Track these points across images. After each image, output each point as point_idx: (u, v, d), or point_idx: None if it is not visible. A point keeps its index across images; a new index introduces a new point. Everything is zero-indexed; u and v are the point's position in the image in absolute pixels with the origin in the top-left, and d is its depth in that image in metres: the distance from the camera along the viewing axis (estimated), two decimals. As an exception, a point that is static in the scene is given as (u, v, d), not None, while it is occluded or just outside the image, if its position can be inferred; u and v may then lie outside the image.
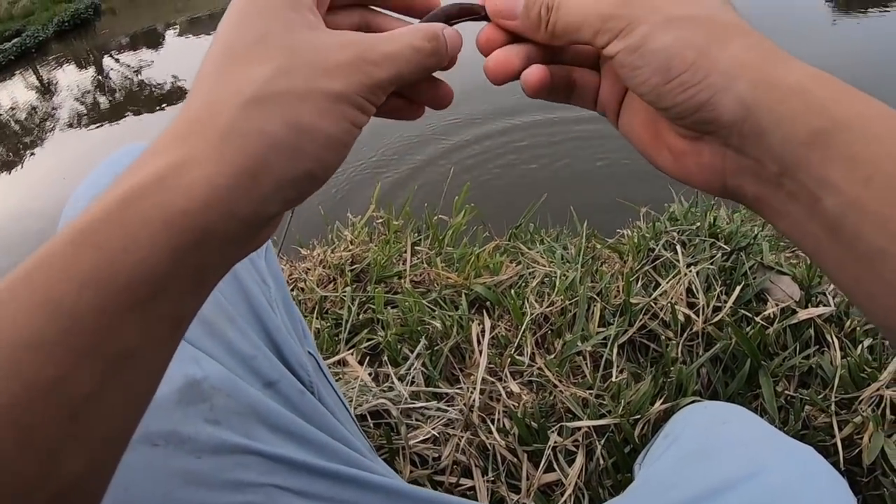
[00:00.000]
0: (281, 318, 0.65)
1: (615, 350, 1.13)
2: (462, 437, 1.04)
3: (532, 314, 1.21)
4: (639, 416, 1.02)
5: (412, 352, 1.16)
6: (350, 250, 1.48)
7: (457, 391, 1.11)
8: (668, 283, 1.22)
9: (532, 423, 1.03)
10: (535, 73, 0.39)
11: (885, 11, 6.03)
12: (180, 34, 11.48)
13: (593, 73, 0.42)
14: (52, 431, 0.24)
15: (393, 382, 1.11)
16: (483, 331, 1.18)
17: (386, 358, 1.17)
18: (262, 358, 0.57)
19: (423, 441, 1.04)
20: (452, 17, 0.41)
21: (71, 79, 9.62)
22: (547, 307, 1.22)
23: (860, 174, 0.28)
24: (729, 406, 0.75)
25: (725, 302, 1.18)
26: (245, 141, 0.28)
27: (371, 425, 1.07)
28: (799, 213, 0.32)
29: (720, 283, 1.22)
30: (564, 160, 3.63)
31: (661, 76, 0.33)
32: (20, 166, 6.66)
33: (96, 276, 0.25)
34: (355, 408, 1.06)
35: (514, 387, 1.09)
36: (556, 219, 1.77)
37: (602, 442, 1.00)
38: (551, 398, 1.08)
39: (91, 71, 10.03)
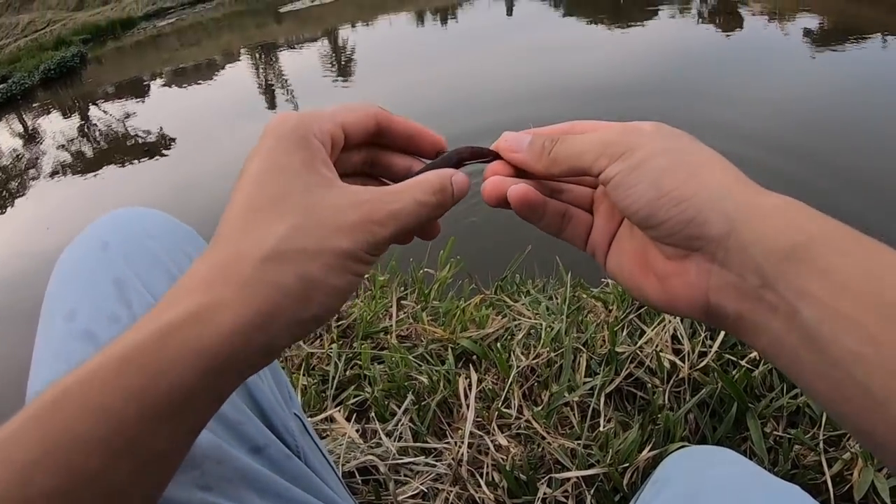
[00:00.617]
0: (267, 384, 0.67)
1: (602, 399, 1.13)
2: (451, 491, 1.03)
3: (518, 367, 1.21)
4: (627, 465, 1.01)
5: (399, 407, 1.16)
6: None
7: (445, 445, 1.10)
8: (652, 330, 1.23)
9: (521, 475, 1.03)
10: (519, 188, 0.42)
11: (863, 42, 6.18)
12: (166, 84, 11.58)
13: (587, 214, 0.46)
14: None
15: (381, 438, 1.11)
16: (470, 385, 1.18)
17: (373, 414, 1.17)
18: (249, 424, 0.58)
19: (412, 496, 1.03)
20: (464, 160, 0.44)
21: (56, 127, 9.66)
22: (533, 359, 1.23)
23: (835, 283, 0.31)
24: (716, 449, 0.75)
25: (710, 347, 1.19)
26: (263, 290, 0.33)
27: (359, 482, 1.06)
28: (778, 326, 0.33)
29: (704, 328, 1.23)
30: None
31: (655, 191, 0.37)
32: (3, 213, 6.64)
33: (140, 392, 0.30)
34: (343, 464, 1.06)
35: (502, 440, 1.09)
36: (542, 269, 1.79)
37: (591, 492, 1.00)
38: (539, 450, 1.08)
39: (76, 119, 10.08)
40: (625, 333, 1.27)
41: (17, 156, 8.65)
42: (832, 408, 0.32)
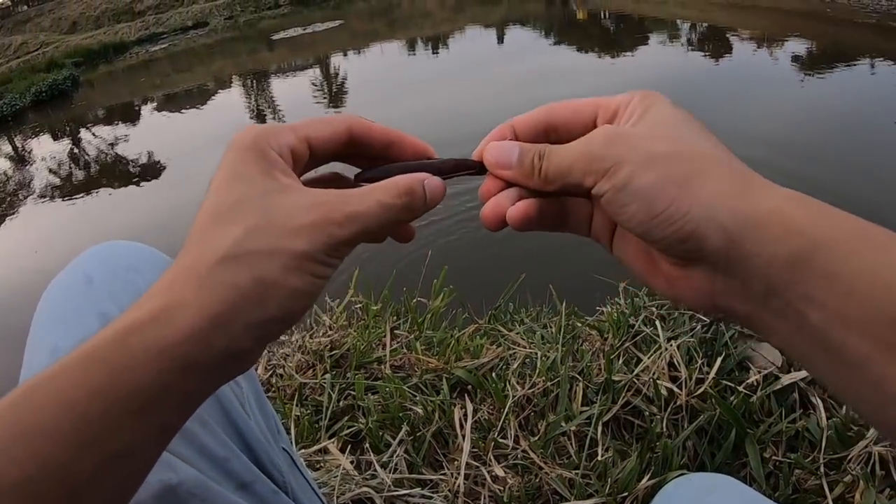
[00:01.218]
0: (254, 418, 0.66)
1: (599, 428, 1.12)
2: (448, 524, 1.02)
3: (514, 396, 1.20)
4: (626, 494, 1.00)
5: (394, 438, 1.14)
6: (329, 335, 1.47)
7: (441, 477, 1.09)
8: (649, 358, 1.23)
9: (519, 507, 1.01)
10: (518, 209, 0.41)
11: (851, 66, 6.28)
12: (157, 109, 11.61)
13: (586, 203, 0.44)
14: None
15: (375, 470, 1.09)
16: (465, 415, 1.16)
17: (368, 445, 1.15)
18: (235, 460, 0.57)
19: (409, 530, 1.02)
20: (446, 171, 0.43)
21: (46, 149, 9.67)
22: (529, 389, 1.22)
23: (840, 289, 0.30)
24: (715, 476, 0.75)
25: (708, 373, 1.18)
26: (219, 290, 0.34)
27: (354, 515, 1.04)
28: (787, 329, 0.33)
29: (701, 354, 1.23)
30: (541, 237, 3.67)
31: (647, 212, 0.35)
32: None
33: (104, 387, 0.31)
34: (338, 497, 1.04)
35: (499, 471, 1.07)
36: (536, 297, 1.78)
37: (591, 523, 0.99)
38: (537, 480, 1.07)
39: (67, 142, 10.08)
40: (621, 361, 1.27)
41: (7, 178, 8.62)
42: (849, 403, 0.33)
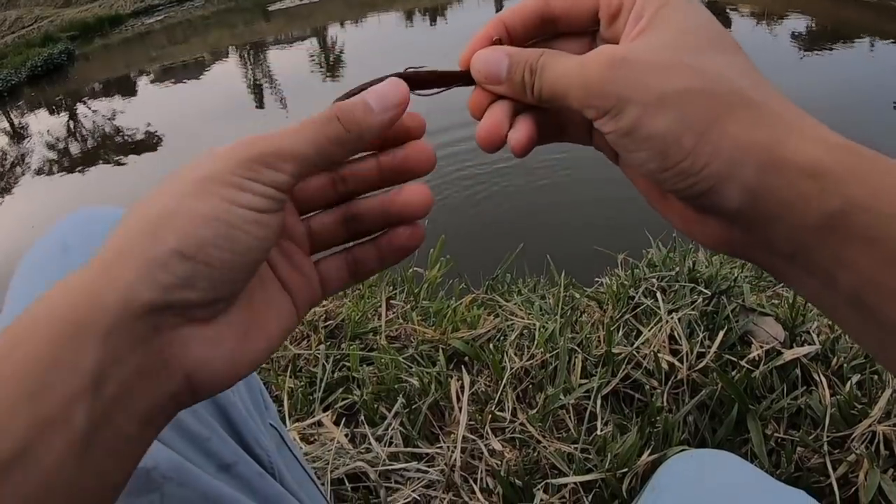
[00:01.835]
0: (237, 393, 0.62)
1: (599, 402, 1.10)
2: (444, 498, 1.01)
3: (512, 368, 1.18)
4: (626, 470, 0.99)
5: (390, 411, 1.13)
6: (324, 306, 1.44)
7: (437, 450, 1.07)
8: (649, 330, 1.20)
9: (516, 481, 1.00)
10: (521, 137, 0.36)
11: (850, 45, 6.25)
12: (154, 82, 11.51)
13: None
14: None
15: (370, 443, 1.08)
16: (462, 387, 1.14)
17: (363, 418, 1.14)
18: (216, 439, 0.54)
19: (404, 504, 1.00)
20: (429, 84, 0.38)
21: (43, 124, 9.60)
22: (527, 360, 1.20)
23: (880, 255, 0.26)
24: (716, 453, 0.74)
25: (709, 347, 1.16)
26: (112, 240, 0.29)
27: (349, 489, 1.03)
28: (815, 285, 0.30)
29: (703, 328, 1.20)
30: (541, 208, 3.66)
31: (658, 163, 0.31)
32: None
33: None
34: (331, 471, 1.02)
35: (497, 444, 1.06)
36: (534, 268, 1.76)
37: (590, 498, 0.97)
38: (535, 454, 1.05)
39: (63, 117, 10.01)
40: (621, 334, 1.25)
41: (3, 153, 8.57)
42: (882, 363, 0.30)
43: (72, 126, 9.27)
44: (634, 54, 0.31)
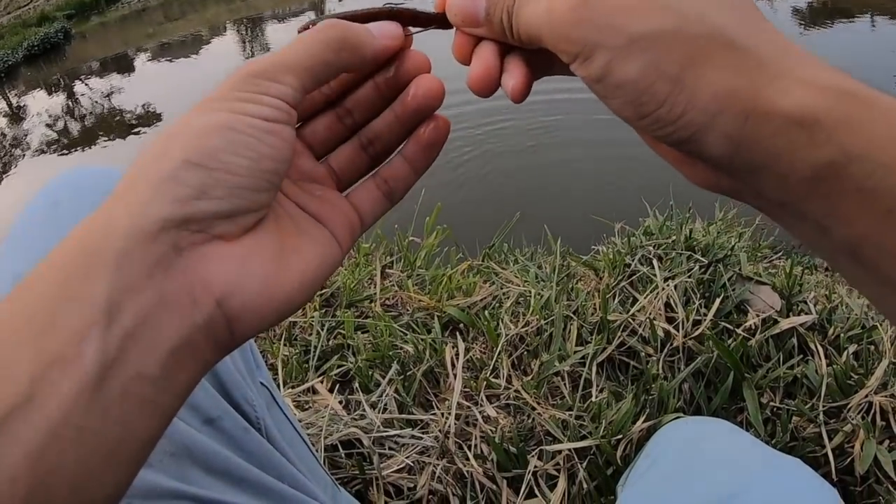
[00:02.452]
0: None
1: (594, 369, 1.10)
2: (438, 465, 1.00)
3: (507, 335, 1.17)
4: (621, 436, 0.99)
5: (384, 378, 1.12)
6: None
7: (431, 417, 1.07)
8: (645, 298, 1.20)
9: (511, 447, 1.00)
10: (517, 84, 0.35)
11: (851, 22, 6.20)
12: (151, 59, 11.42)
13: None
14: None
15: (364, 410, 1.07)
16: (457, 354, 1.14)
17: (357, 385, 1.13)
18: (201, 393, 0.54)
19: (398, 470, 1.00)
20: (401, 20, 0.37)
21: (41, 104, 9.54)
22: (522, 327, 1.19)
23: (878, 208, 0.24)
24: (712, 421, 0.74)
25: (705, 315, 1.16)
26: (125, 174, 0.29)
27: (343, 455, 1.02)
28: (810, 234, 0.28)
29: (699, 296, 1.20)
30: (538, 177, 3.64)
31: (632, 111, 0.29)
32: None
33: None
34: (325, 437, 1.02)
35: (491, 411, 1.06)
36: (530, 237, 1.75)
37: (584, 464, 0.97)
38: (530, 421, 1.05)
39: (61, 96, 9.95)
40: (616, 301, 1.24)
41: (2, 134, 8.54)
42: (881, 312, 0.29)
43: (70, 105, 9.21)
44: None
